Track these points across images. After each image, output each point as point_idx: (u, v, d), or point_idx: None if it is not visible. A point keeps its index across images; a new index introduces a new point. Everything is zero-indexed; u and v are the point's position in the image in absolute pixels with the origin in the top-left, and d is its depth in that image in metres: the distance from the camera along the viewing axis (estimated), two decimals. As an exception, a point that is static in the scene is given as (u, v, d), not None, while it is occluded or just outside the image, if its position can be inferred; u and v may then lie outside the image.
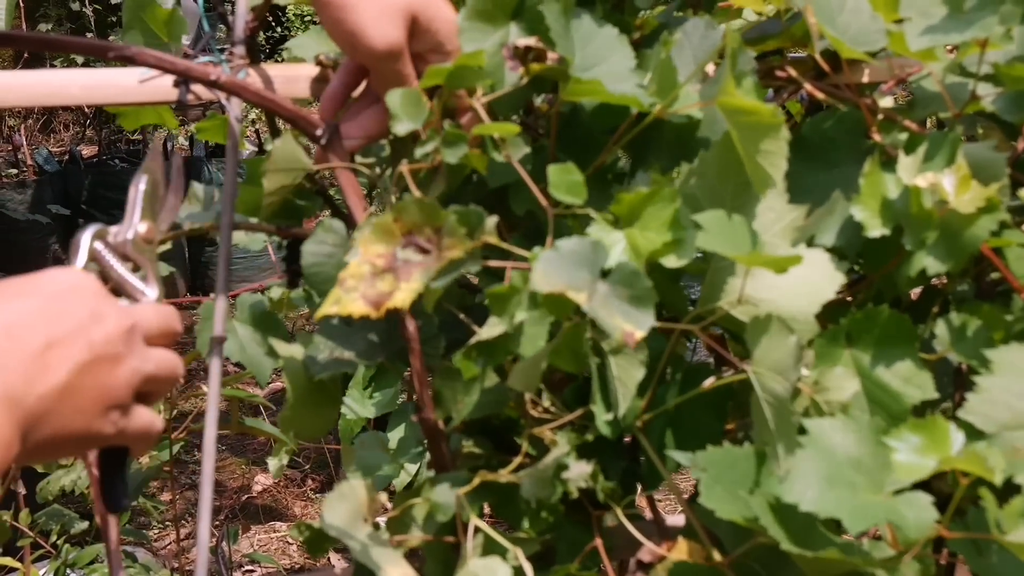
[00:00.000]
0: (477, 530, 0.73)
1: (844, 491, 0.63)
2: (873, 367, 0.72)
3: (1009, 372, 0.68)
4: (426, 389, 0.80)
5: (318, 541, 0.85)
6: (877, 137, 0.79)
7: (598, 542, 0.80)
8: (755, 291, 0.71)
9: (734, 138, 0.71)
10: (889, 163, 0.75)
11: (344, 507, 0.78)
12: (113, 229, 0.70)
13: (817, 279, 0.71)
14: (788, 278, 0.68)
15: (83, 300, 0.61)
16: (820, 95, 0.84)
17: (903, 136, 0.78)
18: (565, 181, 0.72)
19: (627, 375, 0.71)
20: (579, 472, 0.72)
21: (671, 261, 0.69)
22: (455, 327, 0.83)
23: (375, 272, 0.70)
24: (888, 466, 0.64)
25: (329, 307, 0.69)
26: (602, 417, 0.73)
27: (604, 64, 0.79)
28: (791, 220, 0.74)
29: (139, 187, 0.73)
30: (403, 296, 0.69)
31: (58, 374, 0.57)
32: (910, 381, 0.71)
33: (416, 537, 0.79)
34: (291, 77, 0.89)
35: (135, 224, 0.72)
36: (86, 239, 0.68)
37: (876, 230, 0.73)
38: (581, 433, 0.76)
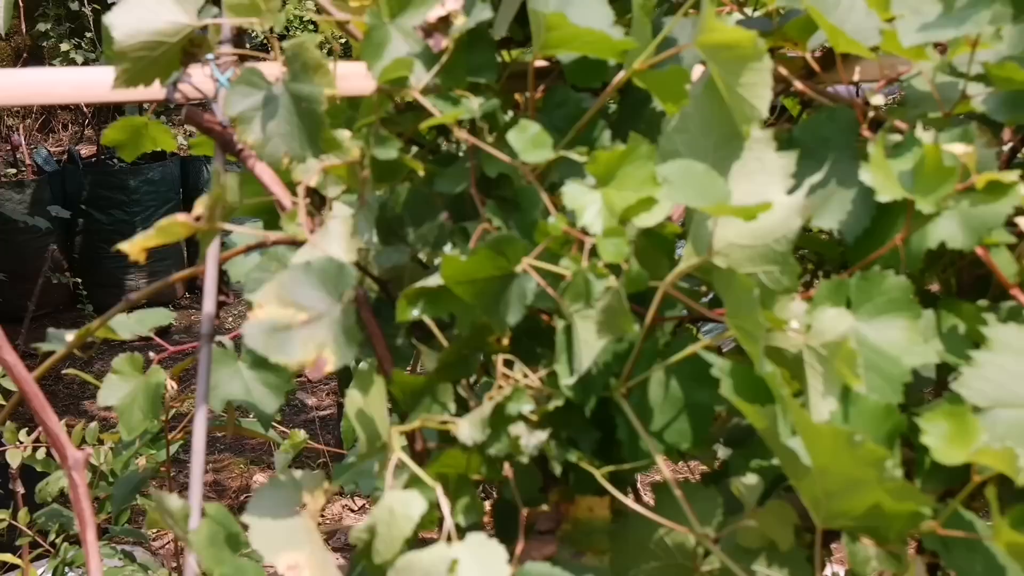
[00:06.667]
0: (402, 466, 0.71)
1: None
2: (873, 332, 0.71)
3: (1005, 350, 0.68)
4: (390, 368, 0.80)
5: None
6: (868, 135, 0.79)
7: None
8: (725, 239, 0.69)
9: (715, 77, 0.70)
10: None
11: (277, 495, 0.74)
12: None
13: (779, 217, 0.69)
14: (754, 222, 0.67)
15: None
16: (811, 94, 0.85)
17: (896, 137, 0.78)
18: (526, 139, 0.72)
19: (591, 336, 0.69)
20: (534, 441, 0.71)
21: (645, 220, 0.68)
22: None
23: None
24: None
25: (124, 244, 0.75)
26: (565, 379, 0.71)
27: (576, 7, 0.78)
28: (781, 167, 0.72)
29: None
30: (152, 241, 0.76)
31: None
32: (910, 345, 0.70)
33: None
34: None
35: None
36: None
37: (888, 194, 0.72)
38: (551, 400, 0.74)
